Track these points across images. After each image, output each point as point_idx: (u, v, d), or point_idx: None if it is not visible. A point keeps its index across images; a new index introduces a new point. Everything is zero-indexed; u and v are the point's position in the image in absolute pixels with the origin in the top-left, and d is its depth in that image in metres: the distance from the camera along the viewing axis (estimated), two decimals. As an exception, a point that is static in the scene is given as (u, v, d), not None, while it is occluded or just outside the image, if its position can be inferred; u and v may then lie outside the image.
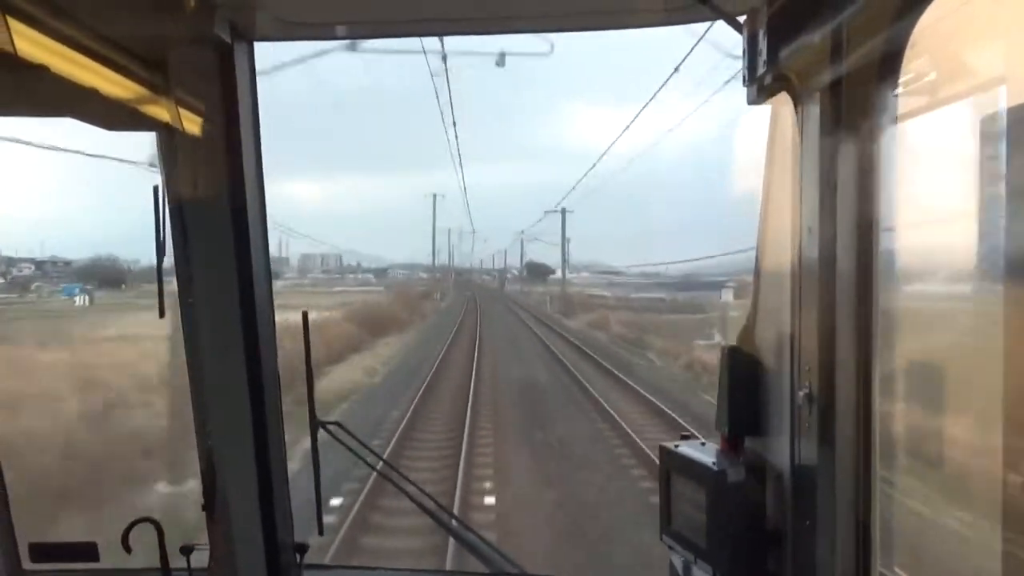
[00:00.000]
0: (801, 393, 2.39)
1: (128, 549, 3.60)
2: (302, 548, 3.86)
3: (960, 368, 2.11)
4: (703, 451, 2.82)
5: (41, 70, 2.91)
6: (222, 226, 3.39)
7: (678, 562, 2.93)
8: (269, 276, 3.63)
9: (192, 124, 3.31)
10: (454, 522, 5.28)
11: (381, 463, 4.73)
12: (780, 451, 2.57)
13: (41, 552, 3.83)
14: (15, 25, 2.78)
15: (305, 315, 3.91)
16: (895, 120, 2.13)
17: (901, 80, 2.07)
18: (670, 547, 2.91)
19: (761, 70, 2.45)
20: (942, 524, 2.28)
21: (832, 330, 2.28)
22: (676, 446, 2.91)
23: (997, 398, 1.74)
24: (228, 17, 3.07)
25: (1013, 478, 1.68)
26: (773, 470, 2.63)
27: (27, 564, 3.88)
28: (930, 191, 2.17)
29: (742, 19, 2.64)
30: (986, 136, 1.75)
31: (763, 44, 2.43)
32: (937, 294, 2.24)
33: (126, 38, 3.10)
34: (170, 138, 3.37)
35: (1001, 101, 1.65)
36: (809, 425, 2.37)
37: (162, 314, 3.51)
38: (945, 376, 2.18)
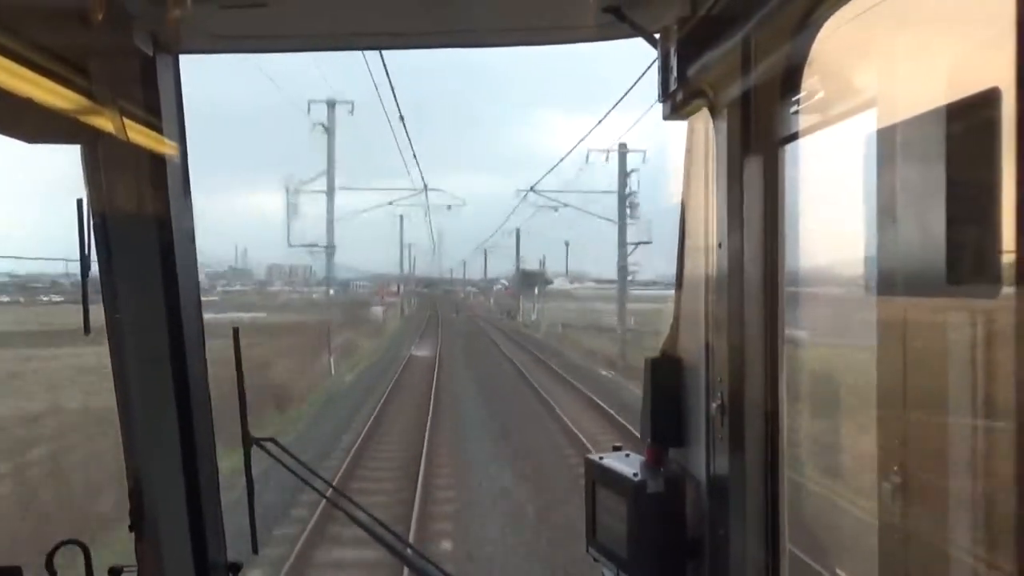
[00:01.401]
0: (714, 404, 2.43)
1: (53, 573, 3.50)
2: (235, 568, 3.79)
3: (858, 374, 2.17)
4: (626, 462, 2.84)
5: None
6: (147, 240, 3.35)
7: (607, 574, 2.94)
8: (197, 290, 3.58)
9: (116, 137, 3.26)
10: (409, 550, 5.20)
11: (320, 481, 4.68)
12: (698, 461, 2.61)
13: None
14: None
15: (235, 331, 3.86)
16: (796, 136, 2.19)
17: (799, 97, 2.13)
18: (595, 559, 2.92)
19: (672, 86, 2.50)
20: (843, 525, 2.33)
21: (741, 341, 2.32)
22: (600, 458, 2.93)
23: (888, 400, 1.79)
24: (149, 29, 3.04)
25: (906, 476, 1.73)
26: (692, 480, 2.66)
27: None
28: (828, 206, 2.23)
29: (658, 36, 2.69)
30: (864, 154, 1.81)
31: (674, 61, 2.48)
32: (838, 304, 2.30)
33: (49, 48, 3.05)
34: (94, 151, 3.31)
35: (872, 122, 1.71)
36: (722, 435, 2.41)
37: (87, 331, 3.44)
38: (844, 382, 2.24)
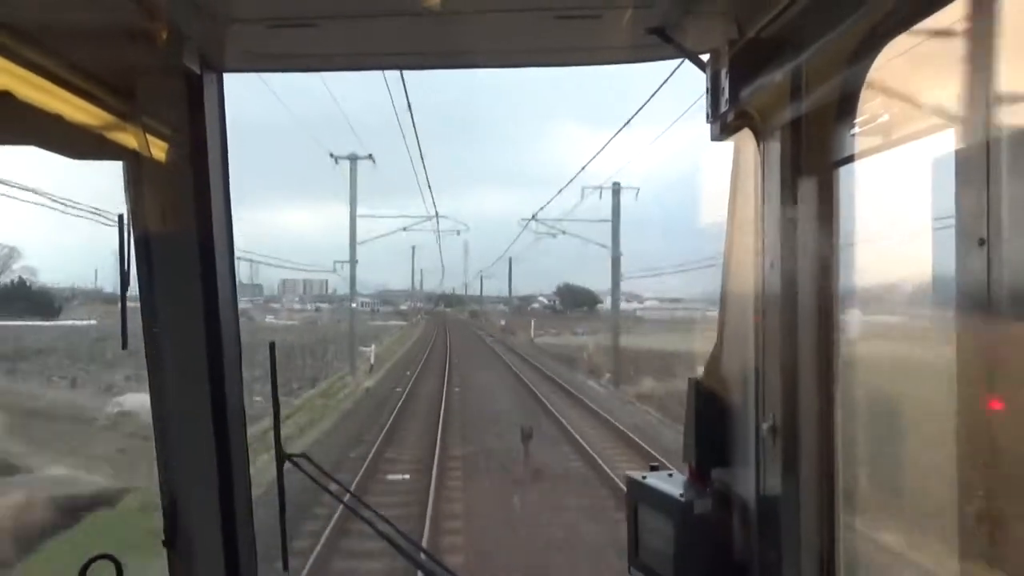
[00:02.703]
0: (765, 425, 2.42)
1: None
2: None
3: (919, 400, 2.16)
4: (670, 482, 2.83)
5: (7, 98, 2.89)
6: (187, 256, 3.36)
7: None
8: (235, 307, 3.60)
9: (160, 153, 3.29)
10: (423, 555, 5.20)
11: (349, 496, 4.67)
12: (746, 482, 2.59)
13: None
14: None
15: (272, 346, 3.87)
16: (852, 158, 2.20)
17: (857, 120, 2.14)
18: None
19: (723, 108, 2.52)
20: (903, 555, 2.31)
21: (794, 363, 2.32)
22: (643, 477, 2.92)
23: (956, 429, 1.78)
24: (198, 48, 3.08)
25: (972, 508, 1.71)
26: (739, 501, 2.65)
27: None
28: (886, 227, 2.23)
29: (706, 58, 2.71)
30: (936, 176, 1.81)
31: (725, 83, 2.49)
32: (896, 327, 2.29)
33: (96, 66, 3.08)
34: (137, 167, 3.34)
35: (948, 143, 1.71)
36: (773, 457, 2.40)
37: (125, 345, 3.46)
38: (905, 407, 2.23)
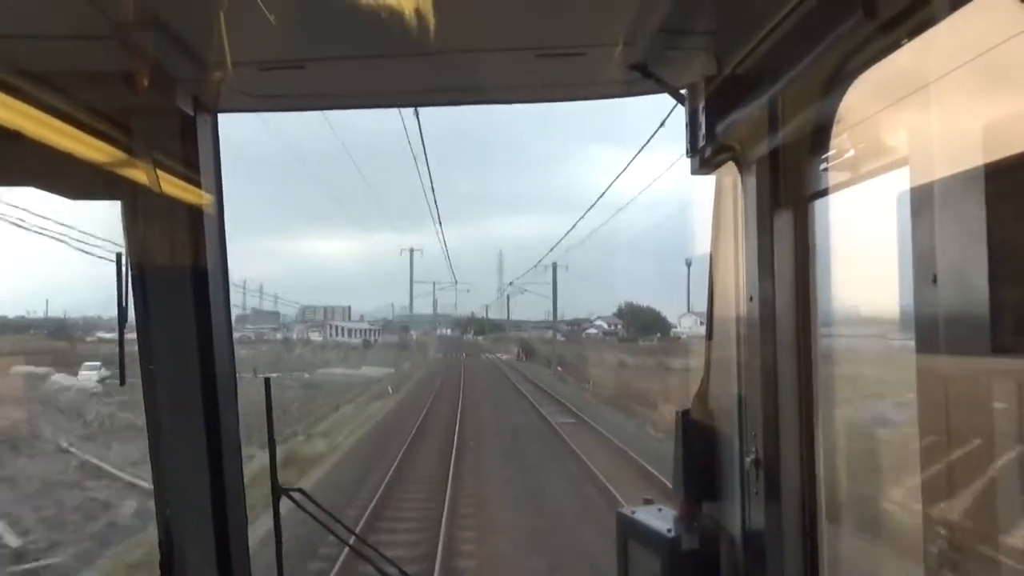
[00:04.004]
0: (748, 459, 2.40)
1: None
2: None
3: (894, 426, 2.14)
4: (659, 517, 2.81)
5: (6, 139, 2.96)
6: (183, 294, 3.41)
7: None
8: (231, 344, 3.63)
9: (156, 193, 3.35)
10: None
11: (349, 534, 4.66)
12: (733, 516, 2.57)
13: None
14: None
15: (267, 380, 3.90)
16: (826, 191, 2.21)
17: (829, 154, 2.16)
18: None
19: (702, 142, 2.54)
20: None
21: (775, 395, 2.31)
22: (632, 512, 2.90)
23: (923, 458, 1.76)
24: (191, 90, 3.15)
25: (953, 537, 1.69)
26: (727, 535, 2.62)
27: None
28: (856, 260, 2.23)
29: (685, 92, 2.74)
30: (897, 210, 1.82)
31: (702, 117, 2.52)
32: (867, 359, 2.29)
33: (92, 108, 3.16)
34: (134, 206, 3.40)
35: (905, 180, 1.72)
36: (757, 491, 2.38)
37: (123, 382, 3.50)
38: (881, 435, 2.21)
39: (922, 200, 1.65)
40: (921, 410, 1.71)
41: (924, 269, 1.61)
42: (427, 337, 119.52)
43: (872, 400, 2.23)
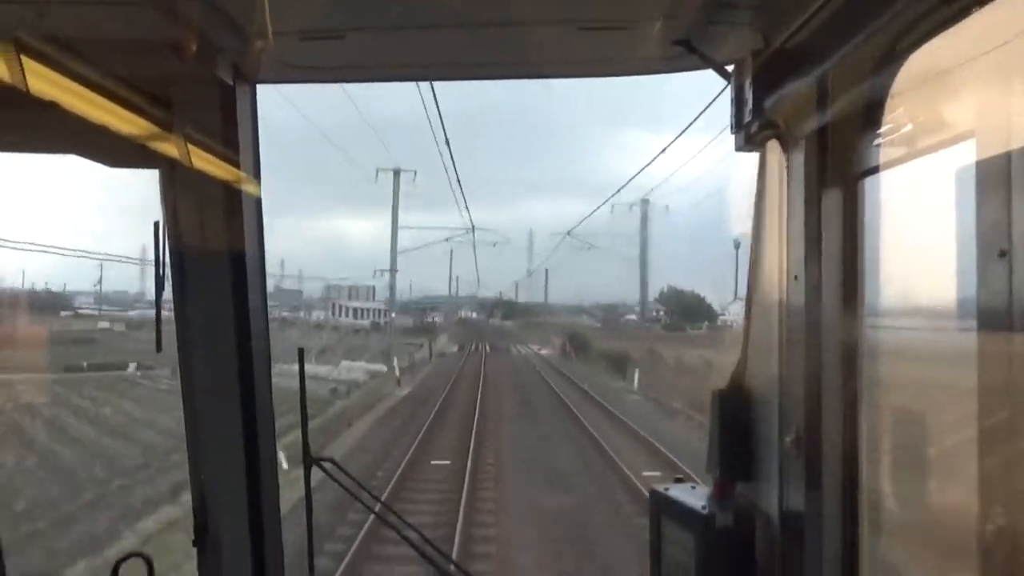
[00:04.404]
0: (788, 439, 2.39)
1: None
2: None
3: (944, 414, 2.12)
4: (693, 495, 2.80)
5: (48, 108, 2.99)
6: (220, 263, 3.44)
7: None
8: (266, 313, 3.66)
9: (194, 162, 3.37)
10: (452, 566, 5.22)
11: (378, 504, 4.71)
12: (769, 496, 2.56)
13: None
14: (25, 63, 2.86)
15: (300, 351, 3.93)
16: (877, 169, 2.17)
17: (882, 130, 2.11)
18: None
19: (747, 118, 2.50)
20: (928, 570, 2.26)
21: (818, 376, 2.29)
22: (666, 489, 2.90)
23: (981, 444, 1.74)
24: (231, 59, 3.15)
25: (997, 525, 1.67)
26: (762, 515, 2.61)
27: None
28: (911, 239, 2.19)
29: (731, 68, 2.70)
30: (959, 186, 1.78)
31: (749, 93, 2.48)
32: (920, 341, 2.25)
33: (132, 77, 3.18)
34: (172, 176, 3.43)
35: (970, 153, 1.68)
36: (796, 470, 2.37)
37: (159, 348, 3.54)
38: (929, 422, 2.19)
39: (990, 174, 1.62)
40: (980, 394, 1.69)
41: (990, 245, 1.58)
42: (446, 321, 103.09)
43: (923, 385, 2.20)
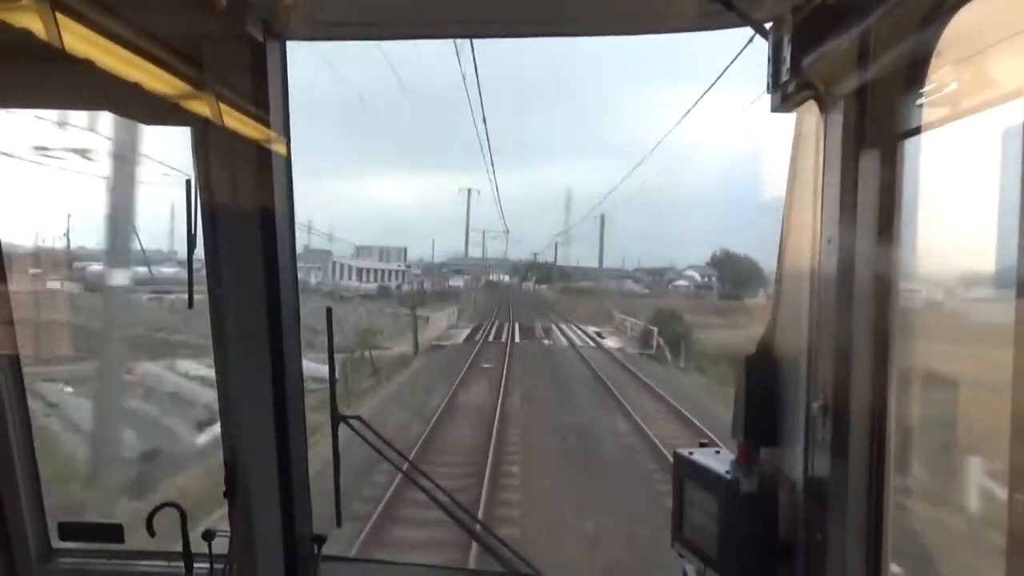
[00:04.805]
0: (816, 404, 2.36)
1: (152, 533, 3.69)
2: (320, 539, 3.92)
3: (978, 384, 2.07)
4: (717, 459, 2.80)
5: (82, 64, 3.01)
6: (250, 221, 3.47)
7: (691, 569, 2.91)
8: (295, 270, 3.70)
9: (225, 120, 3.38)
10: (477, 526, 5.29)
11: (405, 463, 4.78)
12: (795, 462, 2.54)
13: (69, 531, 3.95)
14: (59, 19, 2.87)
15: (329, 311, 3.98)
16: (919, 130, 2.10)
17: (925, 90, 2.04)
18: (680, 554, 2.89)
19: (785, 77, 2.43)
20: (955, 541, 2.23)
21: (849, 342, 2.25)
22: (690, 453, 2.90)
23: (1015, 416, 1.70)
24: (262, 16, 3.14)
25: None
26: (787, 481, 2.60)
27: (56, 543, 4.00)
28: (952, 204, 2.13)
29: (769, 25, 2.62)
30: (1008, 149, 1.72)
31: (787, 51, 2.41)
32: (957, 309, 2.20)
33: (163, 34, 3.18)
34: (203, 133, 3.45)
35: (1019, 114, 1.62)
36: (823, 437, 2.34)
37: (191, 304, 3.60)
38: (962, 391, 2.15)
39: None
40: (1016, 366, 1.64)
41: None
42: (470, 286, 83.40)
43: (957, 355, 2.15)
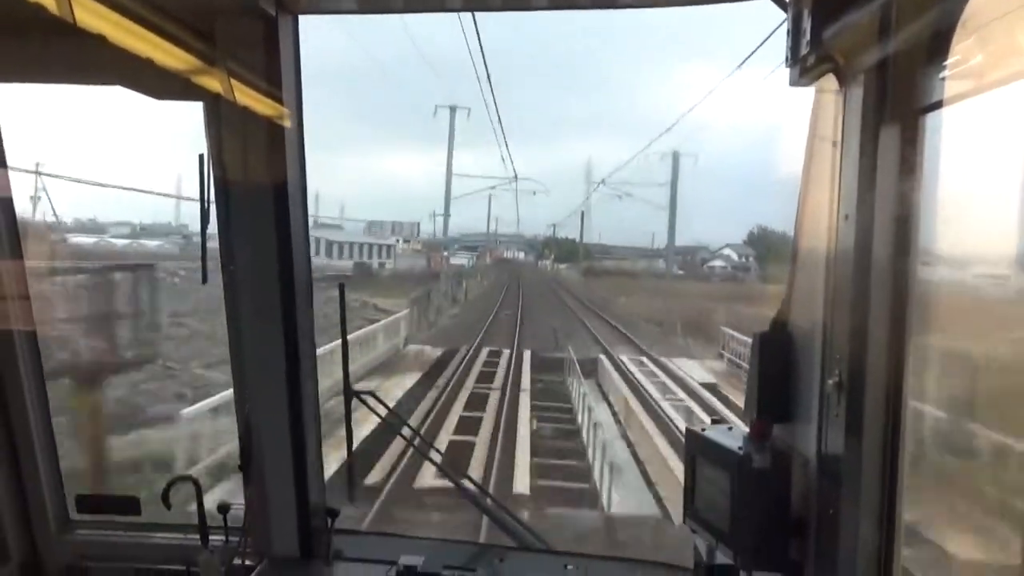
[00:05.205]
0: (831, 382, 2.35)
1: (168, 506, 3.74)
2: (333, 513, 3.97)
3: (995, 363, 2.05)
4: (730, 436, 2.80)
5: (94, 39, 3.00)
6: (263, 196, 3.47)
7: (701, 545, 2.93)
8: (308, 246, 3.71)
9: (237, 95, 3.37)
10: (490, 500, 5.33)
11: (416, 437, 4.81)
12: (808, 439, 2.54)
13: (87, 503, 4.02)
14: None
15: (342, 287, 3.98)
16: (940, 104, 2.06)
17: (948, 63, 2.00)
18: (693, 530, 2.90)
19: (804, 50, 2.39)
20: (968, 520, 2.23)
21: (865, 319, 2.23)
22: (703, 429, 2.90)
23: None
24: None
25: None
26: (800, 458, 2.60)
27: (73, 514, 4.06)
28: (975, 181, 2.09)
29: None
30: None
31: (807, 24, 2.36)
32: (976, 287, 2.17)
33: (175, 9, 3.16)
34: (216, 108, 3.44)
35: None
36: (837, 414, 2.33)
37: (205, 279, 3.62)
38: (980, 371, 2.13)
39: None
40: None
41: None
42: (477, 265, 69.87)
43: (976, 334, 2.12)
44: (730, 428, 2.88)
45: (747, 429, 2.80)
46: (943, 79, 2.02)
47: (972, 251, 2.18)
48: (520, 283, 55.36)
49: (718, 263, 64.01)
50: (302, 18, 3.37)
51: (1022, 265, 1.79)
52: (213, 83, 3.39)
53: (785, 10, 2.55)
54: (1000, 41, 1.84)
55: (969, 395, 2.14)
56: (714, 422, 3.03)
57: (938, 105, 2.06)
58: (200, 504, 3.80)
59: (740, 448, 2.67)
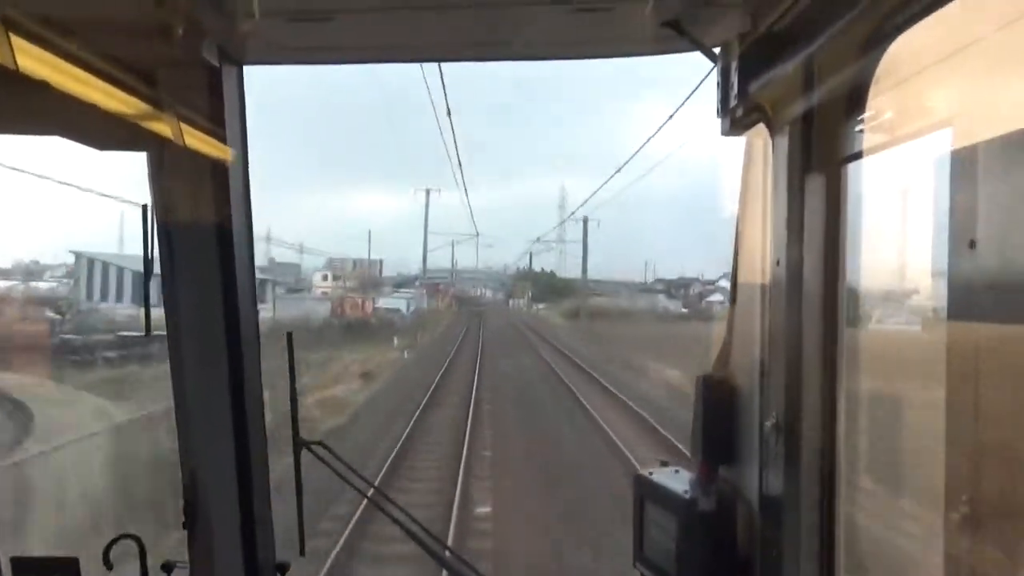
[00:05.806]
0: (768, 423, 2.40)
1: (109, 566, 3.61)
2: (283, 568, 3.86)
3: (921, 398, 2.13)
4: (676, 479, 2.82)
5: (35, 89, 2.97)
6: (208, 246, 3.44)
7: None
8: (254, 295, 3.67)
9: (181, 145, 3.36)
10: (448, 553, 5.24)
11: (371, 489, 4.74)
12: (751, 480, 2.58)
13: (23, 567, 3.85)
14: (12, 41, 2.84)
15: (290, 336, 3.94)
16: (860, 155, 2.16)
17: (865, 116, 2.10)
18: (642, 574, 2.91)
19: (733, 102, 2.49)
20: (905, 553, 2.28)
21: (798, 361, 2.29)
22: (650, 473, 2.92)
23: (953, 428, 1.75)
24: (217, 41, 3.13)
25: (972, 506, 1.68)
26: (744, 499, 2.63)
27: None
28: (890, 226, 2.19)
29: (718, 51, 2.68)
30: (936, 175, 1.78)
31: (735, 77, 2.47)
32: (897, 328, 2.26)
33: (118, 58, 3.16)
34: (160, 158, 3.42)
35: (946, 142, 1.68)
36: (776, 455, 2.38)
37: (148, 332, 3.56)
38: (907, 406, 2.20)
39: (965, 162, 1.61)
40: (949, 382, 1.69)
41: (961, 235, 1.58)
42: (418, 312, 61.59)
43: (898, 370, 2.20)
44: (677, 471, 2.91)
45: (694, 472, 2.83)
46: (861, 131, 2.12)
47: (892, 294, 2.27)
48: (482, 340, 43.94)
49: (716, 297, 58.31)
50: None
51: (933, 306, 1.87)
52: (157, 133, 3.38)
53: (715, 63, 2.66)
54: (908, 97, 1.95)
55: (897, 431, 2.20)
56: (662, 464, 3.06)
57: (858, 155, 2.16)
58: (143, 563, 3.67)
59: (686, 492, 2.69)
